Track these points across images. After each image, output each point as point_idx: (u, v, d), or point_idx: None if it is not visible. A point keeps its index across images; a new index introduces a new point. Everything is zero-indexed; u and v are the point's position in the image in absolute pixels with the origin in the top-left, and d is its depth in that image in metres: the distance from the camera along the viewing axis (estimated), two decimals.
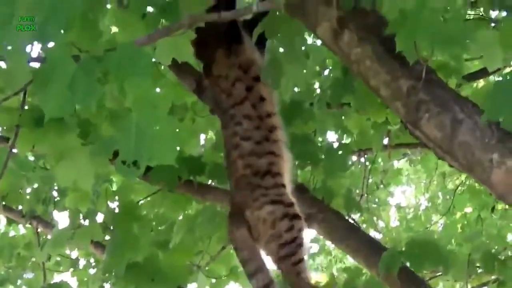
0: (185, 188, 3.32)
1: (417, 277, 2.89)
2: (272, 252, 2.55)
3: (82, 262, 5.28)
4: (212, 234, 3.78)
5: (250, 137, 2.56)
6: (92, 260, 5.17)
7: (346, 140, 4.61)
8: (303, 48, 2.77)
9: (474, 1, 3.47)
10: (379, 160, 6.02)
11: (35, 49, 2.70)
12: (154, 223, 3.71)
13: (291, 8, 2.19)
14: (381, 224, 7.44)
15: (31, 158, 4.34)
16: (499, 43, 2.02)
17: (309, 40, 4.02)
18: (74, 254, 5.30)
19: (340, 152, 3.45)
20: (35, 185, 4.49)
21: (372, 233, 6.51)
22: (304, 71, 3.22)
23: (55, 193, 4.55)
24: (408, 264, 2.86)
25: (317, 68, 4.02)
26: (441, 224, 6.59)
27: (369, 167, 5.57)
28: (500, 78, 1.90)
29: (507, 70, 2.49)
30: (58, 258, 5.27)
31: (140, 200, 3.62)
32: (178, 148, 1.81)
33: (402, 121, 4.21)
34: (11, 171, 3.96)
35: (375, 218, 7.08)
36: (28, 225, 4.98)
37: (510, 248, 4.60)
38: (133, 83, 1.65)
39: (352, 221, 3.62)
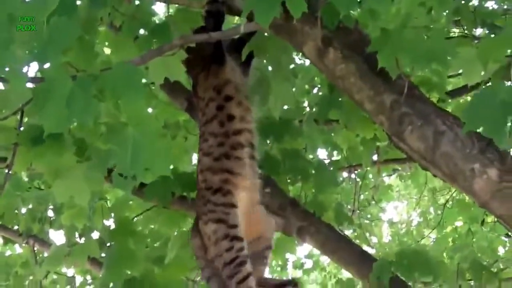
0: (179, 204, 3.37)
1: (407, 286, 2.96)
2: (219, 268, 2.63)
3: (78, 280, 5.32)
4: None
5: (211, 153, 2.63)
6: (88, 277, 5.22)
7: (336, 156, 4.68)
8: (291, 66, 2.85)
9: (458, 19, 3.56)
10: (370, 176, 6.09)
11: (31, 70, 2.75)
12: (149, 239, 3.76)
13: (276, 29, 2.28)
14: (374, 239, 7.48)
15: (25, 178, 4.43)
16: (478, 59, 2.10)
17: (297, 59, 4.11)
18: (70, 272, 5.34)
19: (330, 168, 3.52)
20: (30, 205, 4.55)
21: (366, 249, 6.55)
22: (293, 89, 3.32)
23: (50, 212, 4.63)
24: (398, 273, 2.92)
25: (306, 86, 4.11)
26: (433, 238, 6.64)
27: (360, 183, 5.64)
28: (479, 91, 1.99)
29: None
30: (55, 276, 5.32)
31: (135, 217, 3.67)
32: (171, 163, 1.88)
33: (390, 137, 4.32)
34: (7, 192, 4.02)
35: (367, 234, 7.14)
36: (24, 244, 5.04)
37: (501, 260, 4.67)
38: (128, 99, 1.74)
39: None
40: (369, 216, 7.27)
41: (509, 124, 1.77)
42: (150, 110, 3.77)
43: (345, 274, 8.93)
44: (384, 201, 7.49)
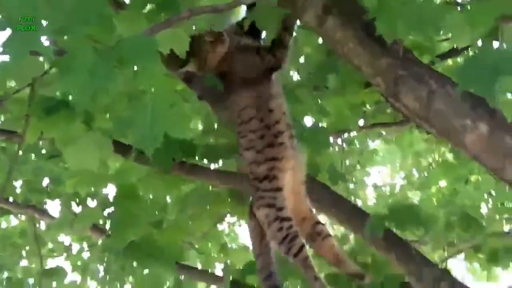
0: (179, 169, 3.45)
1: (400, 239, 3.11)
2: (277, 247, 2.81)
3: (75, 247, 5.45)
4: (203, 212, 3.97)
5: (253, 147, 2.74)
6: (85, 244, 5.34)
7: (323, 122, 4.79)
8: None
9: None
10: (355, 141, 6.22)
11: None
12: (148, 203, 3.85)
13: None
14: (359, 203, 7.61)
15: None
16: (468, 23, 2.24)
17: None
18: (67, 240, 5.47)
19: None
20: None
21: None
22: None
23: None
24: (391, 227, 3.05)
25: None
26: (417, 199, 6.76)
27: (346, 148, 5.76)
28: (471, 53, 2.13)
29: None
30: (51, 245, 5.45)
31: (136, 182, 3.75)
32: (188, 127, 2.01)
33: (377, 101, 4.44)
34: (3, 164, 4.13)
35: (353, 197, 7.27)
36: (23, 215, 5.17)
37: (483, 218, 4.82)
38: (144, 67, 1.86)
39: None
40: (354, 180, 7.38)
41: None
42: None
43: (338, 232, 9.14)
44: (369, 166, 7.64)
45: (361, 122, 4.93)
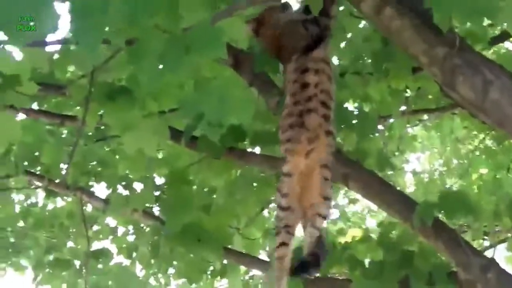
0: (228, 155, 3.52)
1: (448, 227, 3.11)
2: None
3: (120, 230, 5.54)
4: (249, 198, 4.03)
5: (281, 126, 2.66)
6: (130, 227, 5.43)
7: (366, 107, 4.81)
8: None
9: None
10: (395, 127, 6.24)
11: None
12: (197, 188, 3.92)
13: None
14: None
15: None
16: None
17: None
18: (113, 223, 5.57)
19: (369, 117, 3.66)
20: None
21: None
22: None
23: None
24: (440, 215, 3.06)
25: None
26: (456, 187, 6.77)
27: (387, 134, 5.79)
28: None
29: None
30: (98, 227, 5.56)
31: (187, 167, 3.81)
32: (251, 112, 2.07)
33: (419, 87, 4.46)
34: (51, 146, 4.22)
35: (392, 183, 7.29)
36: (67, 198, 5.27)
37: None
38: (211, 55, 1.93)
39: None
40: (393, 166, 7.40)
41: None
42: None
43: (369, 224, 9.18)
44: (408, 152, 7.65)
45: (402, 108, 4.95)
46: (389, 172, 7.19)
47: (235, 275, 4.64)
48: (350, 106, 4.51)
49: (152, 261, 5.19)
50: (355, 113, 3.66)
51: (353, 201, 8.82)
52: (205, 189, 3.94)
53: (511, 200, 3.68)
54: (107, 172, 4.64)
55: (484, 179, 6.17)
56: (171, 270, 5.60)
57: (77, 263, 5.26)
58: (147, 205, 4.40)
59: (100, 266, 5.14)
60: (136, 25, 1.89)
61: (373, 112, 4.64)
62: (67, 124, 3.89)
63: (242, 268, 5.43)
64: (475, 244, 5.31)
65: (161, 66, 1.87)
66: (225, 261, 4.37)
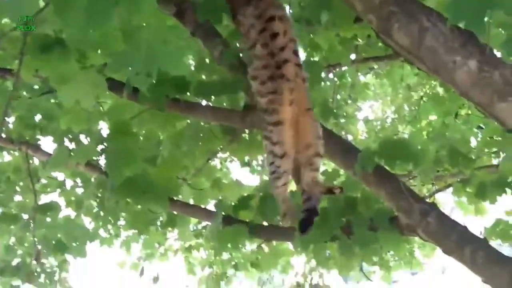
0: (173, 106, 3.44)
1: (390, 174, 3.14)
2: None
3: (69, 183, 5.49)
4: (196, 148, 4.01)
5: (257, 77, 2.77)
6: (78, 180, 5.37)
7: (315, 57, 4.80)
8: None
9: None
10: (347, 75, 6.24)
11: None
12: (142, 140, 3.87)
13: None
14: (350, 138, 7.66)
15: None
16: None
17: None
18: (60, 176, 5.51)
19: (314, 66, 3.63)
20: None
21: None
22: None
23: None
24: (381, 162, 3.07)
25: None
26: (407, 133, 6.81)
27: (337, 82, 5.78)
28: None
29: None
30: (45, 181, 5.49)
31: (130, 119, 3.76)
32: (186, 64, 2.04)
33: (369, 35, 4.45)
34: None
35: (343, 132, 7.33)
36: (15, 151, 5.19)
37: (473, 151, 4.88)
38: (140, 6, 1.88)
39: None
40: (345, 114, 7.43)
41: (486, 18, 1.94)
42: None
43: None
44: (360, 100, 7.67)
45: (352, 57, 4.94)
46: (342, 120, 7.25)
47: (184, 225, 4.65)
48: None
49: (102, 213, 5.18)
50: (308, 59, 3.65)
51: None
52: (151, 141, 3.88)
53: (452, 146, 3.72)
54: (52, 125, 4.57)
55: (433, 126, 6.23)
56: (121, 222, 5.60)
57: (25, 217, 5.19)
58: (93, 158, 4.36)
59: (48, 219, 5.08)
60: None
61: (322, 60, 4.63)
62: (8, 77, 3.80)
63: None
64: (424, 189, 5.36)
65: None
66: (175, 213, 4.38)
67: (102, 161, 4.45)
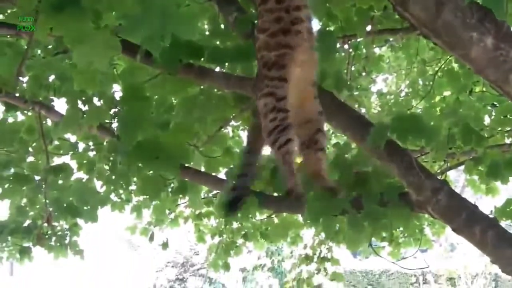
0: (186, 71, 3.43)
1: (402, 149, 3.12)
2: (266, 141, 2.83)
3: (81, 146, 5.49)
4: (208, 115, 4.00)
5: (267, 29, 2.72)
6: (91, 143, 5.38)
7: (331, 27, 4.76)
8: None
9: None
10: (362, 47, 6.20)
11: None
12: (154, 104, 3.87)
13: None
14: (363, 110, 7.64)
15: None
16: None
17: None
18: (73, 138, 5.52)
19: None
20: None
21: None
22: None
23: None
24: (393, 137, 3.05)
25: None
26: (421, 108, 6.78)
27: (352, 53, 5.74)
28: None
29: None
30: (57, 142, 5.50)
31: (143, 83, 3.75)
32: (197, 28, 2.02)
33: (385, 7, 4.42)
34: (9, 58, 4.12)
35: (357, 105, 7.30)
36: (28, 111, 5.19)
37: (486, 129, 4.85)
38: None
39: None
40: (358, 86, 7.40)
41: None
42: None
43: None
44: (375, 73, 7.63)
45: (368, 28, 4.91)
46: (355, 93, 7.21)
47: (195, 192, 4.65)
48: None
49: (113, 177, 5.19)
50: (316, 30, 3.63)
51: None
52: (163, 106, 3.88)
53: (465, 123, 3.70)
54: (66, 86, 4.56)
55: (447, 102, 6.19)
56: (132, 187, 5.62)
57: (37, 178, 5.21)
58: (106, 121, 4.36)
59: (60, 181, 5.10)
60: None
61: (337, 31, 4.60)
62: (24, 36, 3.79)
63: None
64: (436, 167, 5.34)
65: None
66: (186, 179, 4.38)
67: (115, 124, 4.45)
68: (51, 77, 4.74)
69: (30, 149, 5.40)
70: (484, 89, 5.36)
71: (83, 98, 4.61)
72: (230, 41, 3.60)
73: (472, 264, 18.63)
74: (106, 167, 5.22)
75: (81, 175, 5.34)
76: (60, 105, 4.85)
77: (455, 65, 6.00)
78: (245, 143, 3.09)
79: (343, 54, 5.73)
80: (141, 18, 1.92)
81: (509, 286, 17.77)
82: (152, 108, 3.68)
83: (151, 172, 3.94)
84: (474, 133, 3.69)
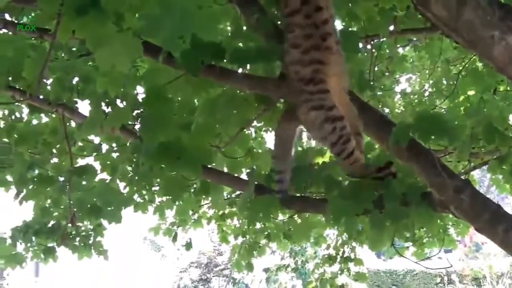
0: (208, 72, 3.42)
1: (425, 149, 3.10)
2: (329, 152, 2.91)
3: (104, 147, 5.53)
4: (230, 116, 4.00)
5: (299, 45, 2.76)
6: (114, 144, 5.41)
7: (353, 27, 4.76)
8: None
9: None
10: (385, 47, 6.18)
11: None
12: (177, 106, 3.88)
13: None
14: (386, 110, 7.61)
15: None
16: None
17: None
18: (96, 140, 5.56)
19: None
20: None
21: None
22: None
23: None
24: (416, 137, 3.02)
25: None
26: (445, 108, 6.74)
27: (375, 53, 5.73)
28: None
29: None
30: (81, 144, 5.54)
31: (165, 84, 3.76)
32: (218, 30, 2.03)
33: (408, 6, 4.41)
34: (33, 61, 4.16)
35: (380, 105, 7.28)
36: (52, 113, 5.23)
37: (510, 129, 4.81)
38: None
39: None
40: (382, 87, 7.38)
41: None
42: None
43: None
44: (398, 73, 7.60)
45: (390, 28, 4.90)
46: (379, 93, 7.19)
47: (218, 193, 4.66)
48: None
49: (136, 178, 5.21)
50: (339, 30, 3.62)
51: None
52: (185, 108, 3.89)
53: (489, 122, 3.67)
54: (89, 88, 4.59)
55: (471, 101, 6.15)
56: (155, 188, 5.65)
57: (61, 179, 5.25)
58: (129, 123, 4.39)
59: (84, 182, 5.13)
60: None
61: (360, 31, 4.60)
62: (47, 38, 3.83)
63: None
64: (460, 166, 5.31)
65: None
66: (208, 180, 4.39)
67: (137, 126, 4.47)
68: (75, 79, 4.77)
69: (54, 150, 5.44)
70: (509, 88, 5.33)
71: (106, 100, 4.63)
72: (252, 42, 3.60)
73: (497, 264, 18.53)
74: (129, 168, 5.25)
75: (105, 176, 5.37)
76: (84, 107, 4.87)
77: (479, 64, 5.97)
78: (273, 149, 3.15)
79: (366, 54, 5.72)
80: (161, 18, 1.92)
81: None
82: (174, 109, 3.69)
83: (173, 173, 3.95)
84: (497, 132, 3.67)
